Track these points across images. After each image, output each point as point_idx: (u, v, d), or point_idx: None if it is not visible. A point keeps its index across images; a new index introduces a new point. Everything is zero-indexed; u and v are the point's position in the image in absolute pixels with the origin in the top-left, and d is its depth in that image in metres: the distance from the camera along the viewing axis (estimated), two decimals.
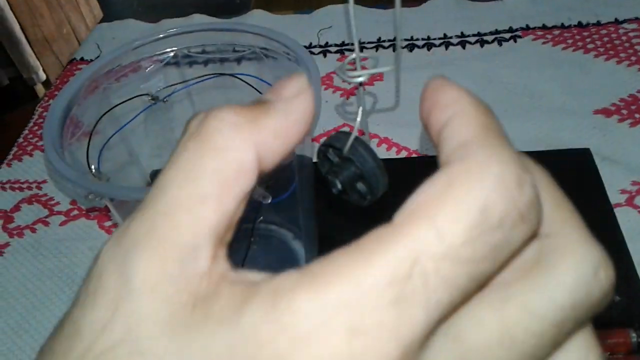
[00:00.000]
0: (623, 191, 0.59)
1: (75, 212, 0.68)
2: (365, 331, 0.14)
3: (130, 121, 0.48)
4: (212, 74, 0.54)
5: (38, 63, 2.06)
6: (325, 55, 0.85)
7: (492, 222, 0.15)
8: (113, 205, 0.44)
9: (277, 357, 0.14)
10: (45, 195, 0.71)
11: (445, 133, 0.18)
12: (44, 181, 0.73)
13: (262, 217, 0.44)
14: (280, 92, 0.20)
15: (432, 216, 0.15)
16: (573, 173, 0.60)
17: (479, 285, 0.16)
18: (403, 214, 0.16)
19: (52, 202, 0.70)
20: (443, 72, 0.69)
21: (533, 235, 0.17)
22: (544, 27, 0.83)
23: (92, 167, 0.43)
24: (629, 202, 0.58)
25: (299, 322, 0.14)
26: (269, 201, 0.40)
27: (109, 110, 0.47)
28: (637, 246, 0.53)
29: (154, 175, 0.63)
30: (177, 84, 0.53)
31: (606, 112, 0.68)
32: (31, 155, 0.77)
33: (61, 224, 0.67)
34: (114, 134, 0.48)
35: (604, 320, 0.44)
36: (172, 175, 0.17)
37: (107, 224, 0.66)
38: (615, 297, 0.46)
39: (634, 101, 0.69)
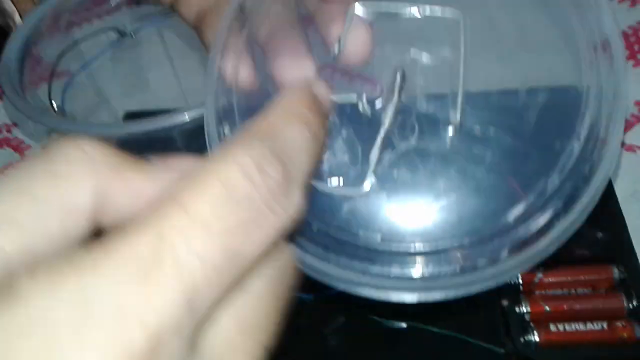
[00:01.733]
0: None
1: None
2: (100, 325, 0.12)
3: (95, 58, 0.45)
4: None
5: (14, 8, 1.99)
6: None
7: (237, 197, 0.15)
8: None
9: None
10: (16, 138, 0.69)
11: None
12: (15, 124, 0.70)
13: None
14: (169, 160, 0.18)
15: (175, 196, 0.15)
16: (562, 111, 0.59)
17: (240, 267, 0.15)
18: (147, 206, 0.15)
19: (24, 146, 0.67)
20: None
21: (284, 223, 0.16)
22: None
23: (54, 104, 0.41)
24: None
25: (28, 316, 0.12)
26: None
27: (72, 46, 0.45)
28: (622, 184, 0.52)
29: (128, 117, 0.60)
30: (145, 19, 0.50)
31: (595, 49, 0.66)
32: (0, 98, 0.74)
33: None
34: (79, 71, 0.46)
35: (587, 256, 0.44)
36: None
37: None
38: (598, 234, 0.45)
39: (624, 38, 0.67)
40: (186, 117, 0.35)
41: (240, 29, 0.29)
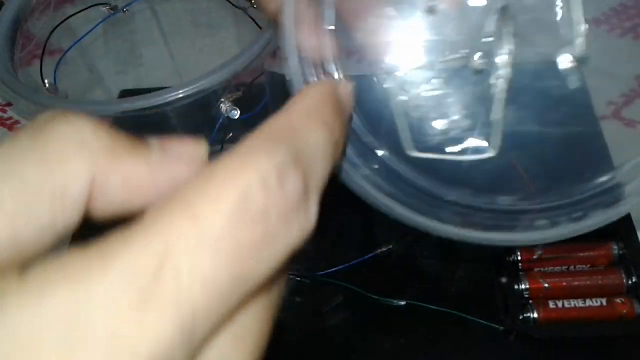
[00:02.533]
0: (610, 103, 0.57)
1: None
2: (90, 355, 0.11)
3: (87, 33, 0.44)
4: None
5: None
6: None
7: (253, 211, 0.13)
8: None
9: None
10: (11, 118, 0.68)
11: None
12: (9, 104, 0.70)
13: (231, 134, 0.42)
14: (168, 144, 0.16)
15: (188, 202, 0.13)
16: (560, 84, 0.58)
17: (243, 293, 0.14)
18: (156, 208, 0.13)
19: (19, 126, 0.67)
20: None
21: (298, 242, 0.15)
22: None
23: (46, 82, 0.40)
24: (616, 114, 0.57)
25: (14, 332, 0.11)
26: (237, 117, 0.38)
27: (63, 22, 0.44)
28: (621, 159, 0.52)
29: (124, 94, 0.60)
30: None
31: (596, 22, 0.66)
32: None
33: None
34: (71, 47, 0.45)
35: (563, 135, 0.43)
36: None
37: None
38: None
39: (624, 10, 0.67)
40: (181, 93, 0.35)
41: None
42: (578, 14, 0.25)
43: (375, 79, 0.27)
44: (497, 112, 0.25)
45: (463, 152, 0.26)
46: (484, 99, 0.26)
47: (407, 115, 0.27)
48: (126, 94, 0.59)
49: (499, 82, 0.25)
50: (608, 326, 0.39)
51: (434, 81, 0.27)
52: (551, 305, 0.40)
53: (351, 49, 0.26)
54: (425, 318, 0.42)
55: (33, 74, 0.43)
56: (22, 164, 0.14)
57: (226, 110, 0.38)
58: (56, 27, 0.43)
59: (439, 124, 0.27)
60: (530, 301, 0.40)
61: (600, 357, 0.40)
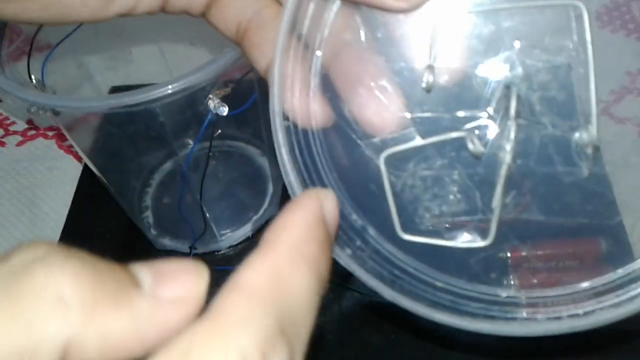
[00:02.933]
0: (600, 100, 0.57)
1: (33, 131, 0.65)
2: None
3: (76, 29, 0.44)
4: None
5: None
6: None
7: None
8: (59, 121, 0.41)
9: None
10: (0, 115, 0.68)
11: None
12: None
13: (220, 131, 0.41)
14: (161, 282, 0.15)
15: None
16: (570, 170, 0.58)
17: None
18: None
19: (8, 122, 0.66)
20: None
21: None
22: None
23: (33, 77, 0.40)
24: (605, 111, 0.57)
25: None
26: (225, 113, 0.38)
27: None
28: (611, 157, 0.52)
29: (114, 91, 0.59)
30: None
31: None
32: None
33: (18, 144, 0.64)
34: (59, 43, 0.44)
35: (572, 226, 0.43)
36: None
37: (67, 143, 0.63)
38: (587, 206, 0.45)
39: (615, 7, 0.66)
40: (169, 89, 0.34)
41: (297, 51, 0.24)
42: (592, 94, 0.23)
43: (366, 152, 0.25)
44: (496, 198, 0.23)
45: (457, 237, 0.25)
46: (482, 182, 0.24)
47: (398, 195, 0.25)
48: (117, 90, 0.59)
49: (500, 164, 0.23)
50: None
51: (429, 160, 0.25)
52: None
53: (343, 118, 0.25)
54: (414, 314, 0.41)
55: (21, 70, 0.43)
56: None
57: (214, 106, 0.37)
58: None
59: (432, 206, 0.26)
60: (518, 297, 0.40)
61: (588, 351, 0.40)
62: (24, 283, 0.13)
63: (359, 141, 0.25)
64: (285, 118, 0.23)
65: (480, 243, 0.24)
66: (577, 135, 0.24)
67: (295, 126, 0.23)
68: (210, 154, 0.44)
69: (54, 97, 0.35)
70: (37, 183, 0.61)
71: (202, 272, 0.16)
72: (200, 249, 0.52)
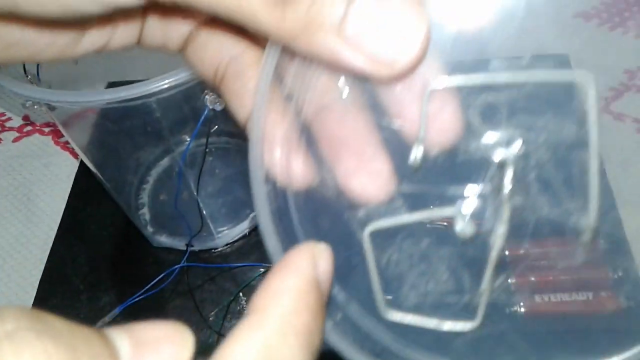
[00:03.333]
0: (600, 97, 0.57)
1: (29, 127, 0.65)
2: None
3: None
4: None
5: None
6: None
7: None
8: (55, 116, 0.41)
9: None
10: None
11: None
12: None
13: (216, 126, 0.41)
14: (141, 353, 0.14)
15: None
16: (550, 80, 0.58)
17: None
18: None
19: (4, 118, 0.66)
20: None
21: None
22: None
23: (28, 72, 0.39)
24: (604, 108, 0.56)
25: None
26: (222, 108, 0.38)
27: None
28: (611, 154, 0.52)
29: (112, 86, 0.59)
30: None
31: (586, 16, 0.65)
32: None
33: (14, 140, 0.64)
34: None
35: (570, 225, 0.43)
36: None
37: (63, 139, 0.63)
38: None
39: (613, 4, 0.66)
40: (165, 84, 0.34)
41: (279, 106, 0.22)
42: (594, 178, 0.21)
43: (349, 223, 0.23)
44: (485, 281, 0.22)
45: (443, 316, 0.23)
46: (471, 262, 0.23)
47: (383, 270, 0.24)
48: (113, 86, 0.58)
49: (490, 247, 0.22)
50: (594, 320, 0.39)
51: (416, 236, 0.24)
52: (537, 299, 0.40)
53: (326, 183, 0.23)
54: None
55: (16, 64, 0.42)
56: None
57: (211, 101, 0.37)
58: None
59: (418, 283, 0.24)
60: (517, 295, 0.40)
61: (586, 350, 0.40)
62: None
63: (343, 211, 0.24)
64: (268, 179, 0.22)
65: (466, 325, 0.23)
66: (574, 220, 0.22)
67: (277, 188, 0.22)
68: (207, 150, 0.44)
69: (49, 91, 0.35)
70: (33, 180, 0.61)
71: (186, 341, 0.15)
72: (197, 247, 0.52)
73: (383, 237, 0.24)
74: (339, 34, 0.18)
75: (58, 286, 0.53)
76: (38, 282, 0.53)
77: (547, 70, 0.21)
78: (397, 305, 0.24)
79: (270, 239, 0.21)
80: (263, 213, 0.21)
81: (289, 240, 0.21)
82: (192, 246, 0.52)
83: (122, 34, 0.25)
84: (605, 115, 0.56)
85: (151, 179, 0.55)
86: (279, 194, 0.22)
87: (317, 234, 0.22)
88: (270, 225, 0.21)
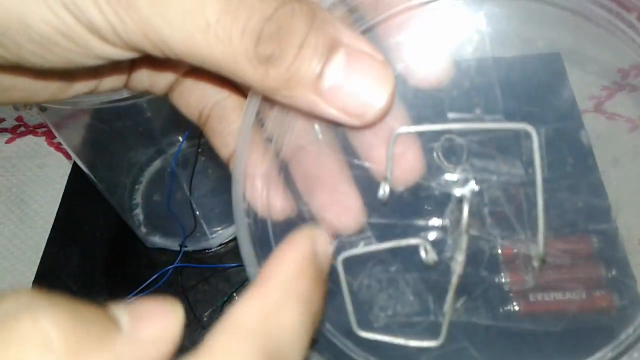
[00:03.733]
0: (591, 97, 0.57)
1: (22, 128, 0.64)
2: None
3: None
4: None
5: None
6: None
7: None
8: (47, 117, 0.41)
9: None
10: None
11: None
12: None
13: None
14: (139, 322, 0.16)
15: None
16: (542, 78, 0.58)
17: None
18: None
19: None
20: None
21: None
22: None
23: None
24: (597, 108, 0.57)
25: None
26: None
27: None
28: (602, 152, 0.52)
29: None
30: None
31: (579, 14, 0.65)
32: None
33: (7, 142, 0.64)
34: None
35: (564, 223, 0.43)
36: None
37: (56, 140, 0.63)
38: (578, 203, 0.45)
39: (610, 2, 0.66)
40: None
41: (260, 145, 0.24)
42: (540, 212, 0.24)
43: None
44: (447, 303, 0.24)
45: (409, 335, 0.25)
46: (435, 285, 0.25)
47: (355, 294, 0.26)
48: None
49: (451, 271, 0.24)
50: (588, 319, 0.39)
51: (385, 263, 0.27)
52: (531, 298, 0.40)
53: (302, 215, 0.25)
54: None
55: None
56: None
57: None
58: None
59: (387, 305, 0.27)
60: (511, 294, 0.40)
61: (580, 349, 0.40)
62: (11, 330, 0.14)
63: None
64: (249, 212, 0.24)
65: (431, 343, 0.25)
66: (524, 248, 0.25)
67: (258, 220, 0.24)
68: (200, 150, 0.44)
69: None
70: (27, 181, 0.60)
71: (177, 311, 0.17)
72: (190, 247, 0.52)
73: (355, 264, 0.26)
74: (315, 90, 0.21)
75: (51, 287, 0.53)
76: (31, 284, 0.53)
77: (496, 122, 0.24)
78: (368, 325, 0.26)
79: (251, 267, 0.22)
80: (244, 242, 0.23)
81: None
82: (185, 246, 0.52)
83: (111, 79, 0.27)
84: (599, 115, 0.56)
85: (144, 179, 0.55)
86: (259, 225, 0.24)
87: None
88: (251, 253, 0.22)
